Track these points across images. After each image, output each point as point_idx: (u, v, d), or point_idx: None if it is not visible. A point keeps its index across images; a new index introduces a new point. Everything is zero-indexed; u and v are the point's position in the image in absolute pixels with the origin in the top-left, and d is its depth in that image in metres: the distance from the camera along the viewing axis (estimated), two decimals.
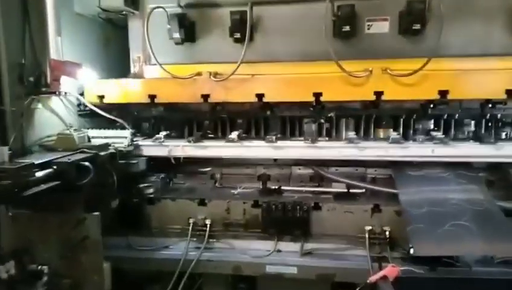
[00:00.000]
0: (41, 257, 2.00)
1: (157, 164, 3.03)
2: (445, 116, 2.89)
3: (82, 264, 2.11)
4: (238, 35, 2.84)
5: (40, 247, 2.03)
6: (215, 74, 2.83)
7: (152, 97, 2.91)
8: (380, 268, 2.34)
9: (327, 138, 2.94)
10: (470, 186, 2.56)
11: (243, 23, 2.78)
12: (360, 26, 2.80)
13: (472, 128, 2.90)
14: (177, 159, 2.89)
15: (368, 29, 2.82)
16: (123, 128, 2.94)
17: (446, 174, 2.69)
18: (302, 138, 2.89)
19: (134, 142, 2.88)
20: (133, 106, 3.13)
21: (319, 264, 2.60)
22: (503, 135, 2.93)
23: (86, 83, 2.99)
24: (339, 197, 2.81)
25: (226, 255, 2.71)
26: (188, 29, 2.99)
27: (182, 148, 2.87)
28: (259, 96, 2.79)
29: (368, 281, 2.08)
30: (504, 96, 2.54)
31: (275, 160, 3.16)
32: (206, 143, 2.92)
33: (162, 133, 2.96)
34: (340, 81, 2.67)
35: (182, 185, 3.15)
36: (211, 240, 2.77)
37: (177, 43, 2.98)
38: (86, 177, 2.09)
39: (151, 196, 2.89)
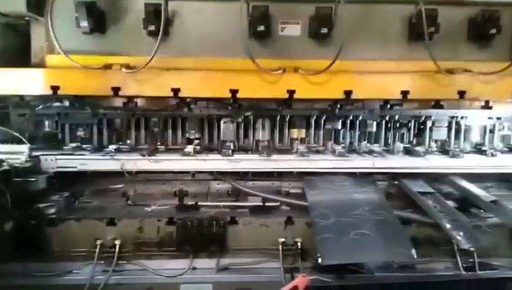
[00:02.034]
0: None
1: (61, 181, 2.79)
2: (351, 117, 3.16)
3: None
4: (152, 28, 2.76)
5: None
6: (127, 66, 2.72)
7: (55, 88, 2.70)
8: (292, 279, 2.40)
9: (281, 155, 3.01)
10: (372, 198, 2.78)
11: (158, 17, 2.72)
12: (274, 28, 2.92)
13: (374, 128, 3.22)
14: (83, 175, 2.69)
15: (282, 31, 2.95)
16: (19, 142, 2.66)
17: (352, 186, 2.89)
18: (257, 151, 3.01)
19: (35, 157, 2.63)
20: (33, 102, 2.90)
21: (234, 280, 2.58)
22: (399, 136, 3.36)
23: None
24: (254, 211, 2.85)
25: (137, 277, 2.56)
26: (98, 19, 2.84)
27: (135, 162, 2.74)
28: (175, 90, 2.75)
29: None
30: (400, 96, 2.85)
31: (193, 175, 3.13)
32: (161, 157, 2.81)
33: (112, 146, 2.81)
34: (255, 78, 2.78)
35: (88, 204, 2.92)
36: (120, 262, 2.59)
37: (84, 33, 2.81)
38: None
39: (53, 216, 2.63)
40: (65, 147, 2.92)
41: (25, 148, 2.56)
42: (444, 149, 3.24)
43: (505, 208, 2.63)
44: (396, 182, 3.16)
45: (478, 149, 3.25)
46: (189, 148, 2.87)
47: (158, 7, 2.73)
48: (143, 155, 2.79)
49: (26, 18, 2.89)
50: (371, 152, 3.01)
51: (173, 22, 2.91)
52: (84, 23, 2.75)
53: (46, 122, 3.06)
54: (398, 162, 2.91)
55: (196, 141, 3.13)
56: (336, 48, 2.73)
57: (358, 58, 2.95)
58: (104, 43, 2.92)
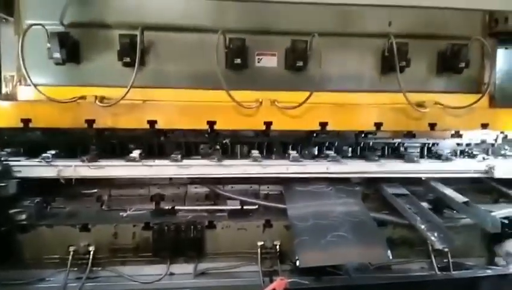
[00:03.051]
0: None
1: (32, 186, 2.69)
2: (327, 144, 3.18)
3: None
4: (127, 59, 2.73)
5: None
6: (102, 99, 2.67)
7: (26, 121, 2.60)
8: (271, 282, 2.39)
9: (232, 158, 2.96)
10: (349, 200, 2.82)
11: (133, 48, 2.68)
12: (251, 59, 2.95)
13: (349, 154, 3.24)
14: (56, 180, 2.61)
15: (258, 62, 2.98)
16: None
17: (329, 189, 2.92)
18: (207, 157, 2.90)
19: (3, 162, 2.53)
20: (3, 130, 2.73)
21: (212, 284, 2.57)
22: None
23: None
24: (233, 214, 2.83)
25: (112, 284, 2.51)
26: (71, 49, 2.77)
27: (74, 169, 2.60)
28: (151, 123, 2.70)
29: None
30: (373, 128, 2.90)
31: (170, 179, 3.07)
32: (103, 163, 2.68)
33: (50, 152, 2.66)
34: (232, 111, 2.76)
35: (61, 210, 2.83)
36: (95, 268, 2.54)
37: (57, 64, 2.74)
38: None
39: (24, 222, 2.54)
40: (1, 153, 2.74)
41: None
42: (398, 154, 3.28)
43: (477, 209, 2.70)
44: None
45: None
46: (135, 153, 2.74)
47: (133, 38, 2.70)
48: (83, 161, 2.63)
49: None
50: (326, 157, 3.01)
51: (149, 52, 2.89)
52: (57, 54, 2.68)
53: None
54: (352, 167, 2.93)
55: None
56: (312, 79, 2.80)
57: (334, 89, 3.00)
58: (78, 74, 2.87)
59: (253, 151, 2.99)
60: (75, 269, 2.51)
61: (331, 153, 3.01)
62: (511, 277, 2.68)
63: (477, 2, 2.43)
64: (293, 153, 2.93)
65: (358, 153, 3.26)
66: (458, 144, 3.41)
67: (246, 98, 2.77)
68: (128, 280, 2.52)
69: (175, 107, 2.77)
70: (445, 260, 2.72)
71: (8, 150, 2.70)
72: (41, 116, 2.64)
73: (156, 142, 3.02)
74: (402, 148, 3.32)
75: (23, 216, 2.57)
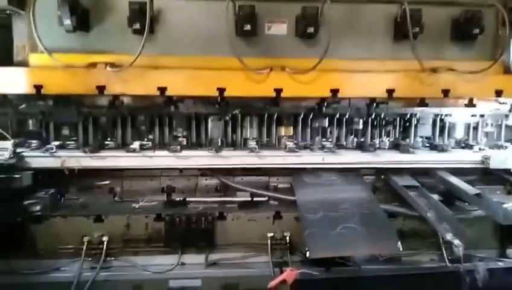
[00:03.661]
0: None
1: (47, 178, 2.74)
2: (338, 115, 3.18)
3: None
4: (137, 26, 2.71)
5: None
6: (112, 65, 2.68)
7: (38, 88, 2.62)
8: (281, 273, 2.41)
9: (232, 148, 3.05)
10: (358, 192, 2.82)
11: (143, 15, 2.65)
12: (261, 27, 2.90)
13: (360, 126, 3.24)
14: (70, 171, 2.66)
15: (268, 30, 2.94)
16: (3, 138, 2.60)
17: (339, 181, 2.92)
18: (206, 148, 2.95)
19: (19, 154, 2.58)
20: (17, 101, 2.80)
21: (223, 275, 2.59)
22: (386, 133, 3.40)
23: None
24: (243, 205, 2.86)
25: (125, 274, 2.55)
26: (81, 17, 2.77)
27: (77, 160, 2.65)
28: (162, 89, 2.71)
29: (268, 286, 2.14)
30: (385, 95, 2.88)
31: (181, 171, 3.11)
32: (104, 153, 2.73)
33: (54, 143, 2.70)
34: (243, 77, 2.76)
35: (75, 201, 2.88)
36: (108, 258, 2.58)
37: (68, 31, 2.75)
38: None
39: (38, 213, 2.60)
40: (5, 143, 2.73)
41: (8, 144, 2.51)
42: (395, 144, 3.26)
43: (488, 200, 2.68)
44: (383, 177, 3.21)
45: (430, 144, 3.32)
46: (136, 144, 2.80)
47: (143, 5, 2.67)
48: (85, 152, 2.70)
49: (8, 12, 2.81)
50: (323, 147, 3.03)
51: (158, 20, 2.87)
52: (67, 22, 2.68)
53: (30, 122, 2.98)
54: (347, 158, 2.94)
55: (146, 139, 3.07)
56: (322, 47, 2.73)
57: (345, 57, 2.95)
58: (88, 42, 2.86)
59: (250, 142, 3.01)
60: (89, 259, 2.55)
61: (328, 143, 3.02)
62: None
63: None
64: (289, 144, 2.96)
65: (370, 125, 3.27)
66: (472, 115, 3.39)
67: (256, 66, 2.77)
68: (140, 270, 2.56)
69: (185, 74, 2.77)
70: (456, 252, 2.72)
71: (16, 140, 2.73)
72: (53, 82, 2.66)
73: (166, 114, 3.05)
74: (414, 120, 3.32)
75: (38, 207, 2.62)
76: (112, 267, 2.58)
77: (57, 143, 2.75)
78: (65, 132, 3.04)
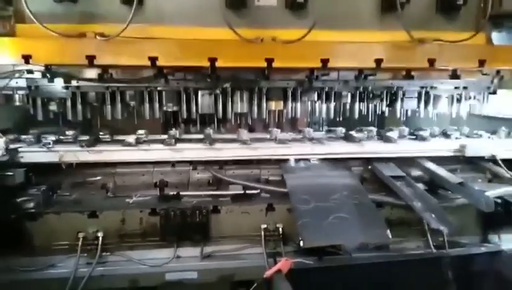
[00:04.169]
0: None
1: (37, 175, 2.74)
2: (326, 89, 3.29)
3: None
4: None
5: None
6: (101, 35, 2.66)
7: (26, 57, 2.59)
8: (275, 263, 2.48)
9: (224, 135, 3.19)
10: (348, 183, 2.91)
11: None
12: None
13: (349, 100, 3.38)
14: (60, 168, 2.66)
15: (258, 1, 2.95)
16: None
17: (328, 171, 3.01)
18: (201, 140, 3.06)
19: (12, 150, 2.57)
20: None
21: (218, 266, 2.65)
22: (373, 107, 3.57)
23: None
24: (236, 198, 2.90)
25: (121, 268, 2.58)
26: None
27: (75, 154, 2.70)
28: (152, 59, 2.70)
29: (264, 276, 2.21)
30: (374, 64, 2.96)
31: (173, 165, 3.14)
32: (101, 147, 2.76)
33: (51, 138, 2.72)
34: (234, 47, 2.78)
35: (67, 197, 2.88)
36: (104, 253, 2.60)
37: (56, 1, 2.73)
38: None
39: (32, 210, 2.60)
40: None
41: (0, 142, 2.49)
42: (380, 135, 3.42)
43: (471, 189, 2.81)
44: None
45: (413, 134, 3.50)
46: (131, 138, 2.86)
47: None
48: (82, 146, 2.75)
49: None
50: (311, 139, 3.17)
51: None
52: None
53: (17, 96, 2.97)
54: (334, 148, 3.09)
55: (140, 132, 3.14)
56: (312, 18, 2.78)
57: (334, 28, 3.00)
58: (76, 11, 2.82)
59: (243, 136, 3.08)
60: (85, 254, 2.57)
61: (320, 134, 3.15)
62: (504, 253, 2.81)
63: None
64: (280, 136, 3.09)
65: (358, 99, 3.41)
66: (456, 88, 3.54)
67: (246, 37, 2.77)
68: (137, 264, 2.59)
69: (176, 43, 2.77)
70: (440, 239, 2.84)
71: (11, 136, 2.73)
72: (42, 52, 2.64)
73: (156, 89, 3.08)
74: (400, 93, 3.46)
75: (31, 204, 2.61)
76: (108, 262, 2.60)
77: (53, 138, 2.75)
78: (52, 107, 3.03)
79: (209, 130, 3.14)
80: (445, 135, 3.52)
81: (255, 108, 3.32)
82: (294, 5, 2.93)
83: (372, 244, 2.76)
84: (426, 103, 3.59)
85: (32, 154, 2.66)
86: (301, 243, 2.37)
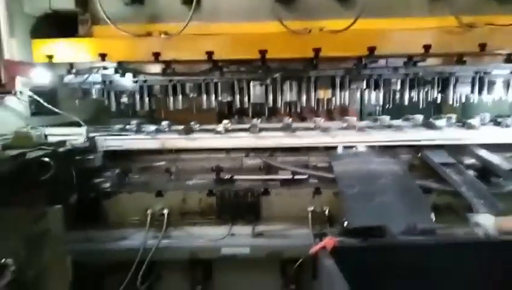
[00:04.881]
0: (5, 252, 2.07)
1: (110, 160, 3.14)
2: (375, 76, 3.33)
3: (45, 257, 2.19)
4: None
5: (3, 242, 2.10)
6: (165, 33, 3.01)
7: (103, 56, 3.01)
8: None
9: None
10: (395, 168, 2.98)
11: None
12: None
13: (398, 86, 3.36)
14: (130, 154, 3.02)
15: None
16: (78, 125, 3.01)
17: (375, 158, 3.10)
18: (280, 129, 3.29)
19: (91, 138, 2.98)
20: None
21: (268, 244, 2.85)
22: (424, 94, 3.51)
23: (34, 42, 3.05)
24: (285, 183, 3.10)
25: (183, 242, 2.87)
26: None
27: (174, 141, 3.10)
28: (209, 53, 3.00)
29: (310, 252, 2.39)
30: (422, 51, 2.97)
31: (227, 152, 3.40)
32: (196, 135, 3.13)
33: (152, 127, 3.14)
34: (282, 39, 2.97)
35: (137, 179, 3.26)
36: (168, 228, 2.92)
37: (126, 4, 3.10)
38: (47, 173, 2.18)
39: (108, 190, 3.00)
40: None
41: (82, 130, 2.90)
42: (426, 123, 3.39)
43: None
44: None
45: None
46: (221, 127, 3.14)
47: None
48: (180, 134, 3.08)
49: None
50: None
51: None
52: None
53: (93, 90, 3.44)
54: (382, 136, 3.14)
55: (226, 121, 3.42)
56: (358, 7, 2.87)
57: (381, 16, 3.06)
58: (142, 13, 3.18)
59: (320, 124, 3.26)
60: (153, 229, 2.90)
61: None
62: None
63: None
64: (321, 124, 3.23)
65: (407, 86, 3.40)
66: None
67: (295, 28, 2.94)
68: (196, 238, 2.88)
69: (230, 38, 3.05)
70: None
71: (119, 126, 3.27)
72: (115, 51, 3.05)
73: (212, 81, 3.38)
74: (453, 79, 3.39)
75: (108, 184, 3.02)
76: (172, 236, 2.91)
77: (153, 127, 3.19)
78: (124, 99, 3.46)
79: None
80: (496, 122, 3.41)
81: (304, 97, 3.45)
82: None
83: (418, 229, 2.82)
84: (480, 89, 3.49)
85: (137, 141, 3.10)
86: (345, 223, 2.52)
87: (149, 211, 2.91)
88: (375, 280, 2.30)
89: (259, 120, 3.50)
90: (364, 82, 3.39)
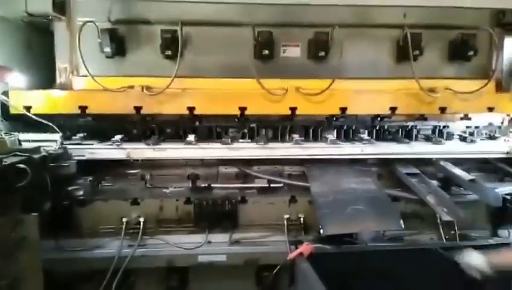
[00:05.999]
0: None
1: (83, 167, 3.07)
2: (345, 127, 3.47)
3: (19, 264, 2.13)
4: (169, 52, 3.05)
5: None
6: (147, 88, 3.02)
7: (83, 108, 2.97)
8: (297, 249, 2.74)
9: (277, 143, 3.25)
10: (365, 179, 3.13)
11: (174, 41, 2.99)
12: (277, 50, 3.20)
13: (366, 136, 3.41)
14: (102, 163, 3.00)
15: (283, 52, 3.24)
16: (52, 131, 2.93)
17: (347, 169, 3.24)
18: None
19: (64, 146, 2.90)
20: (59, 116, 3.07)
21: (245, 251, 2.92)
22: None
23: (11, 93, 2.95)
24: (261, 191, 3.18)
25: (159, 250, 2.89)
26: (118, 44, 3.09)
27: (141, 151, 3.00)
28: (191, 109, 3.05)
29: (288, 258, 2.48)
30: (388, 111, 3.20)
31: (202, 160, 3.41)
32: (165, 145, 3.06)
33: (118, 136, 3.04)
34: (261, 98, 3.07)
35: (111, 187, 3.21)
36: (144, 237, 2.92)
37: (107, 57, 3.08)
38: (23, 180, 2.13)
39: (82, 198, 2.94)
40: (74, 137, 3.13)
41: (57, 136, 2.83)
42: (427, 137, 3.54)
43: (481, 185, 2.99)
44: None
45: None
46: (191, 137, 3.10)
47: (173, 32, 3.00)
48: (148, 144, 2.99)
49: (49, 17, 3.12)
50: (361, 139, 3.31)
51: (186, 45, 3.14)
52: (107, 49, 3.01)
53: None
54: (385, 149, 3.23)
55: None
56: (332, 67, 3.07)
57: (353, 76, 3.25)
58: (124, 66, 3.18)
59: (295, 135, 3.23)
60: (128, 237, 2.89)
61: (365, 136, 3.31)
62: None
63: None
64: (330, 137, 3.25)
65: (374, 136, 3.53)
66: (467, 127, 3.67)
67: (273, 86, 3.06)
68: (173, 247, 2.90)
69: (211, 95, 3.08)
70: (452, 232, 3.04)
71: (81, 135, 3.13)
72: (96, 103, 3.00)
73: (191, 127, 3.35)
74: (415, 131, 3.56)
75: (81, 192, 2.95)
76: (148, 244, 2.91)
77: (119, 136, 3.06)
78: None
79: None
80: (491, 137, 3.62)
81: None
82: (316, 57, 3.19)
83: (387, 235, 2.98)
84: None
85: (103, 150, 2.96)
86: (321, 231, 2.62)
87: (124, 219, 2.90)
88: (350, 284, 2.41)
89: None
90: (335, 132, 3.46)
